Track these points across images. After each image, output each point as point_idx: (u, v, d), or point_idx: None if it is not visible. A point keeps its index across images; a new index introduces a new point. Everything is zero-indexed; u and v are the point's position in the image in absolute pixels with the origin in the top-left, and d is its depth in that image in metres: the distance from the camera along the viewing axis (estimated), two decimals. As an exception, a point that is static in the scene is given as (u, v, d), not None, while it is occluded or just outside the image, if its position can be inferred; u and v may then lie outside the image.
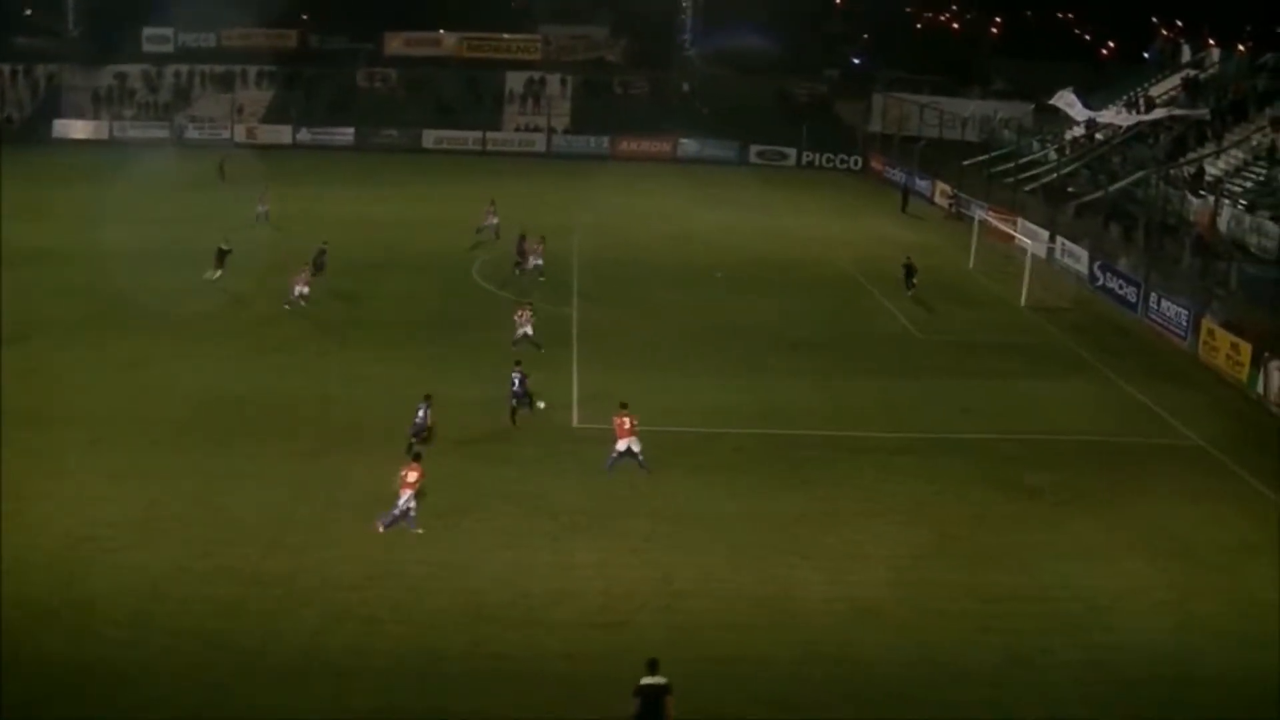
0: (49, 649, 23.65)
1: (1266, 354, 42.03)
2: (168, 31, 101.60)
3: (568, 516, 30.19)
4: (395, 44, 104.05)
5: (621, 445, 32.65)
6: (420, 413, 33.94)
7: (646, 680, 21.12)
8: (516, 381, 35.89)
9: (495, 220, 59.82)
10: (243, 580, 26.55)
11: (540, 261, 52.84)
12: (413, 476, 29.02)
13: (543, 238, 53.55)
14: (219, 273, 49.72)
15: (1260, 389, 41.92)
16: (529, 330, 41.98)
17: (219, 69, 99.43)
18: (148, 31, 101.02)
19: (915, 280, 52.92)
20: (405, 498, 28.86)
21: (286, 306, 46.62)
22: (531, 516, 30.20)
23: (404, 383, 38.94)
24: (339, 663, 23.77)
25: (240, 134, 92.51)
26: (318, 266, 50.20)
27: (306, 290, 47.20)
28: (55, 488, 30.42)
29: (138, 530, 28.56)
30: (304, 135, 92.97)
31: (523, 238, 54.55)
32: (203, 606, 25.39)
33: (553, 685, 23.38)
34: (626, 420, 32.74)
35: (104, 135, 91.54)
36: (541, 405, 37.00)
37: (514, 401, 35.98)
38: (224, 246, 50.20)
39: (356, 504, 30.33)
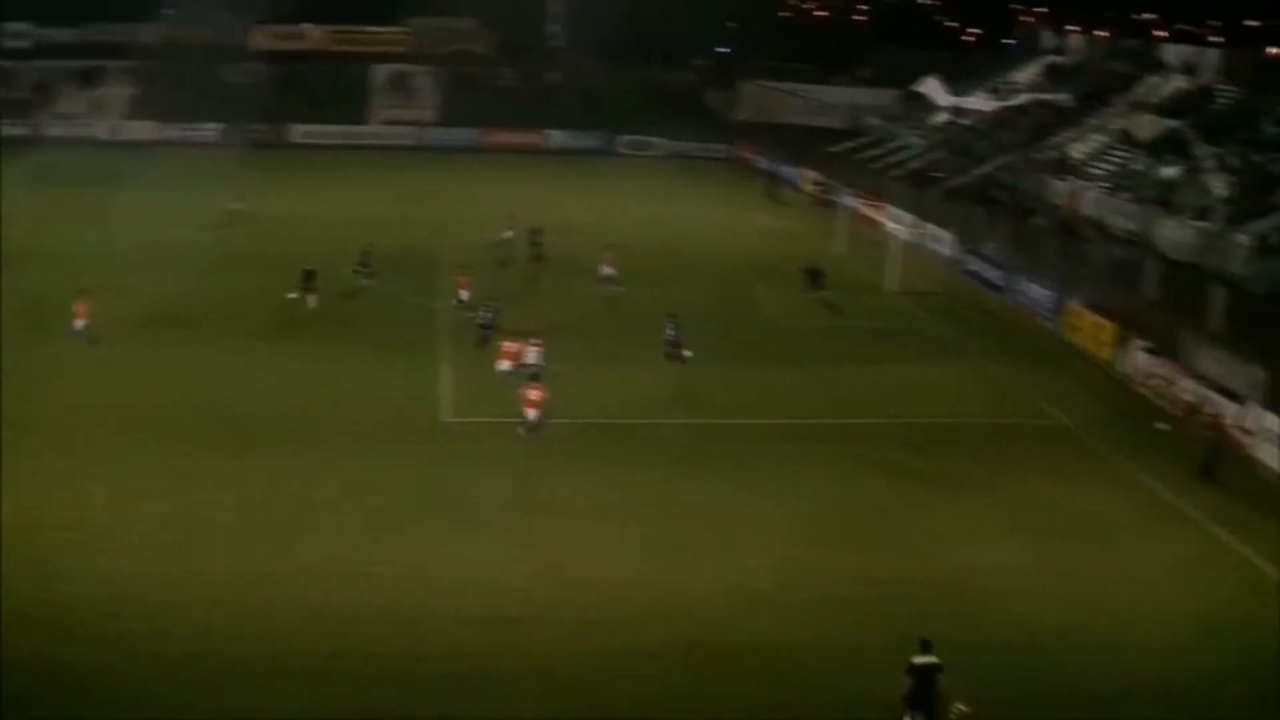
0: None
1: (1129, 334, 43.20)
2: (27, 27, 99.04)
3: (450, 511, 30.25)
4: (260, 37, 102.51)
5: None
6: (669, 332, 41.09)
7: (920, 659, 21.70)
8: (671, 331, 41.28)
9: (511, 233, 56.86)
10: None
11: (612, 270, 51.55)
12: (534, 395, 34.35)
13: (611, 245, 53.25)
14: (309, 296, 46.62)
15: (1124, 368, 43.06)
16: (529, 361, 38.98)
17: (81, 65, 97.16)
18: (5, 27, 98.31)
19: (823, 283, 51.74)
20: (532, 414, 34.26)
21: (454, 303, 46.62)
22: (418, 511, 30.29)
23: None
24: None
25: (103, 131, 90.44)
26: (366, 266, 49.63)
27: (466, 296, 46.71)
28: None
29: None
30: (169, 131, 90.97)
31: (535, 229, 55.93)
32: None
33: (437, 684, 23.33)
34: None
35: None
36: (688, 354, 40.63)
37: (670, 349, 41.10)
38: (308, 268, 47.08)
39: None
